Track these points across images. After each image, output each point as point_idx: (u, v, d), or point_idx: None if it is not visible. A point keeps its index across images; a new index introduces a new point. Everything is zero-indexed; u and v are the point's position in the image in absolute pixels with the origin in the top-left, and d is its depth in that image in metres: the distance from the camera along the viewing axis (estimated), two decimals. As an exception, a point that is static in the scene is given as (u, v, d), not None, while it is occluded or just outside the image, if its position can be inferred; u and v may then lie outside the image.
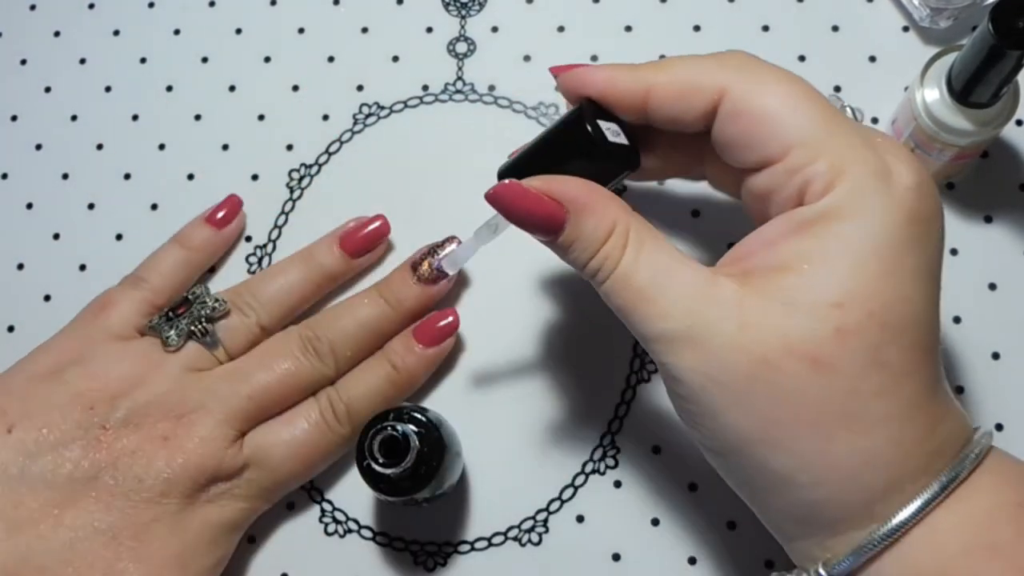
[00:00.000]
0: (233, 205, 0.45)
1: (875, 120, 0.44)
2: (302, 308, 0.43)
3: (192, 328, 0.40)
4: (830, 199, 0.29)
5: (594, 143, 0.32)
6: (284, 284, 0.42)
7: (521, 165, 0.34)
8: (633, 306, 0.31)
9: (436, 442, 0.36)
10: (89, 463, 0.37)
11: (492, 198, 0.32)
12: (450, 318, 0.41)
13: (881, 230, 0.29)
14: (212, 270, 0.45)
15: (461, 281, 0.43)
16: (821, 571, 0.29)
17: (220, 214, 0.44)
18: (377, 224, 0.43)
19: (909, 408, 0.29)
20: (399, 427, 0.36)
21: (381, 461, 0.35)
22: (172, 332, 0.40)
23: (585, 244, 0.32)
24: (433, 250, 0.42)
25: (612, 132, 0.33)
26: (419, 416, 0.37)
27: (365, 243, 0.43)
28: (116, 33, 0.50)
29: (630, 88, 0.33)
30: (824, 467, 0.29)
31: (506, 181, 0.32)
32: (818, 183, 0.30)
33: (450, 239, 0.42)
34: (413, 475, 0.36)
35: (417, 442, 0.35)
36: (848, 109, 0.40)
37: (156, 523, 0.37)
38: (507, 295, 0.43)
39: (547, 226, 0.32)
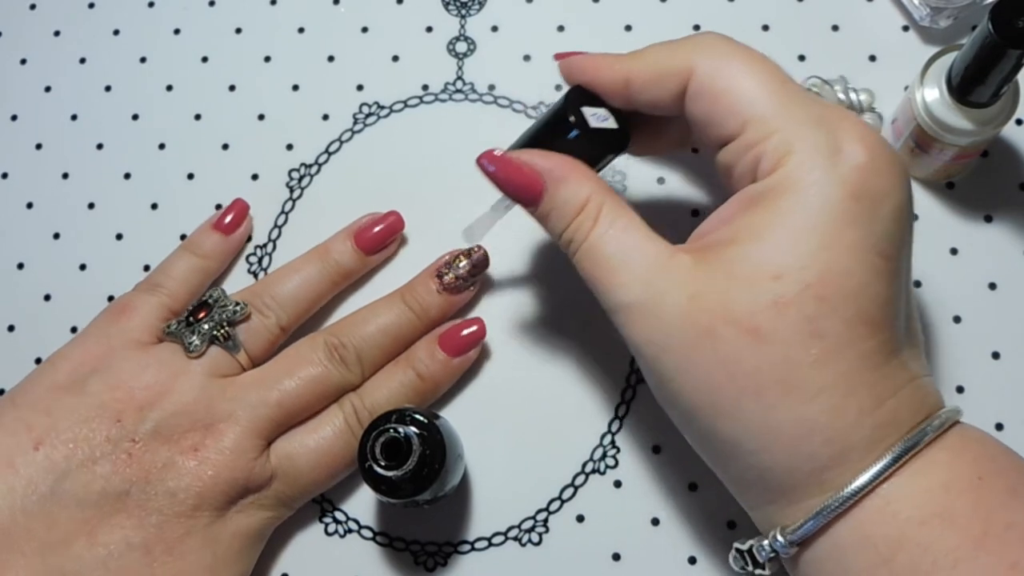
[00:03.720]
0: (240, 210, 0.44)
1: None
2: (318, 306, 0.43)
3: (215, 333, 0.39)
4: (777, 175, 0.30)
5: (571, 127, 0.35)
6: (301, 283, 0.42)
7: (519, 145, 0.37)
8: (599, 277, 0.33)
9: (438, 444, 0.36)
10: (120, 479, 0.37)
11: (479, 162, 0.35)
12: (475, 327, 0.41)
13: (821, 205, 0.30)
14: (212, 270, 0.45)
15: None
16: (779, 536, 0.31)
17: (227, 219, 0.44)
18: (391, 220, 0.43)
19: (849, 379, 0.29)
20: (401, 429, 0.36)
21: (383, 463, 0.35)
22: (195, 338, 0.39)
23: (560, 214, 0.34)
24: (457, 258, 0.42)
25: (598, 118, 0.35)
26: (421, 418, 0.36)
27: (380, 239, 0.43)
28: (116, 33, 0.50)
29: (612, 77, 0.35)
30: (768, 434, 0.30)
31: (492, 149, 0.35)
32: (768, 160, 0.31)
33: (467, 253, 0.42)
34: (415, 477, 0.36)
35: (419, 444, 0.35)
36: (851, 92, 0.40)
37: (188, 537, 0.37)
38: (507, 297, 0.43)
39: (527, 194, 0.34)
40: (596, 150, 0.36)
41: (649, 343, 0.31)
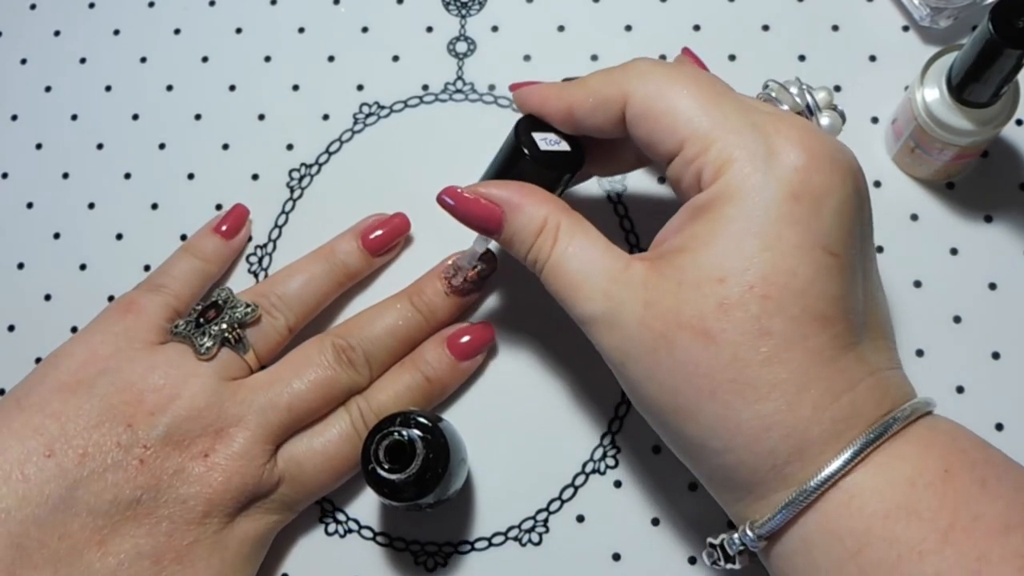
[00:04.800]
0: (239, 217, 0.44)
1: (875, 120, 0.45)
2: (323, 306, 0.43)
3: (227, 335, 0.39)
4: (719, 184, 0.31)
5: (523, 154, 0.36)
6: (309, 284, 0.42)
7: (483, 179, 0.38)
8: (564, 292, 0.34)
9: (442, 448, 0.36)
10: (132, 486, 0.36)
11: (440, 199, 0.36)
12: (484, 331, 0.41)
13: (761, 208, 0.31)
14: (212, 270, 0.45)
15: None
16: (748, 531, 0.31)
17: (224, 227, 0.44)
18: (397, 221, 0.43)
19: (801, 375, 0.30)
20: (405, 432, 0.36)
21: (386, 466, 0.35)
22: (206, 339, 0.39)
23: (521, 238, 0.35)
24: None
25: (549, 142, 0.37)
26: (425, 421, 0.36)
27: (386, 240, 0.43)
28: (116, 33, 0.50)
29: (556, 107, 0.36)
30: (728, 433, 0.31)
31: (448, 186, 0.36)
32: (709, 170, 0.32)
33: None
34: (418, 481, 0.35)
35: (423, 448, 0.35)
36: (807, 92, 0.40)
37: (197, 544, 0.37)
38: (509, 299, 0.43)
39: (488, 224, 0.36)
40: (552, 172, 0.37)
41: (615, 351, 0.33)
